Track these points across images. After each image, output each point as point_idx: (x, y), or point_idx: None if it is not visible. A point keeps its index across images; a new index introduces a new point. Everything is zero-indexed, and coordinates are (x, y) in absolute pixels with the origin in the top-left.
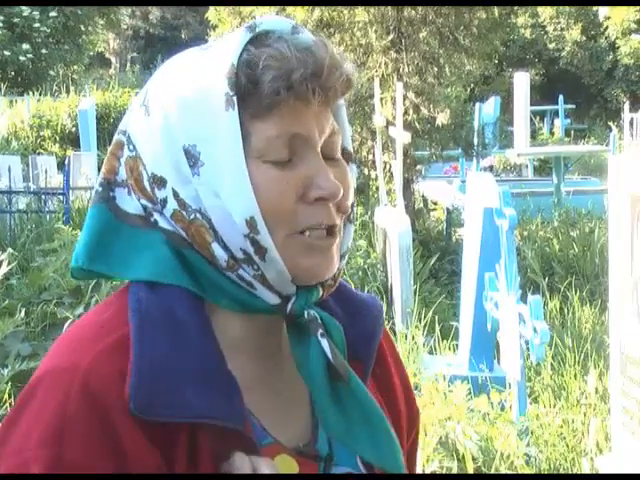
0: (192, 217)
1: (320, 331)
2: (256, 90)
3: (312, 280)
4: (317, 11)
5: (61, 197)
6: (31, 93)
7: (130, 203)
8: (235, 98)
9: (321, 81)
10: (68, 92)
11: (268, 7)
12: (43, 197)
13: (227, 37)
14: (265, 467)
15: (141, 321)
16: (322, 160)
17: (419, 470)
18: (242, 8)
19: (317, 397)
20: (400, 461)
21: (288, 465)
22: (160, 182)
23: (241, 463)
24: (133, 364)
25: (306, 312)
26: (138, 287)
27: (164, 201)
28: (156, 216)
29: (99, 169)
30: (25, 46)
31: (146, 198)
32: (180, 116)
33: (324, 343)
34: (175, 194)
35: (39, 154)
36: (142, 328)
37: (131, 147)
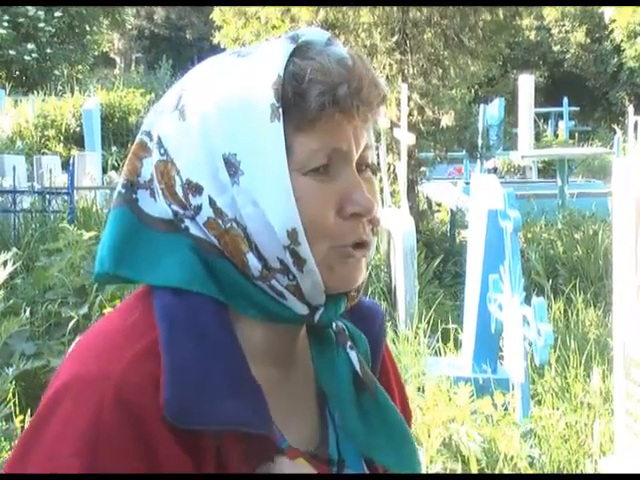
0: (228, 226)
1: (349, 343)
2: (301, 103)
3: (344, 289)
4: (322, 12)
5: (65, 197)
6: (36, 93)
7: (153, 206)
8: (280, 110)
9: (363, 97)
10: (73, 92)
11: (273, 7)
12: (47, 197)
13: (267, 45)
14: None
15: (170, 328)
16: (358, 175)
17: (423, 472)
18: (247, 8)
19: (342, 407)
20: (419, 470)
21: (304, 469)
22: (196, 189)
23: (282, 466)
24: (166, 373)
25: (334, 323)
26: (163, 292)
27: (198, 208)
28: (187, 222)
29: (103, 169)
30: (30, 46)
31: (177, 204)
32: (220, 123)
33: (352, 355)
34: (211, 202)
35: (43, 154)
36: (171, 336)
37: (162, 151)
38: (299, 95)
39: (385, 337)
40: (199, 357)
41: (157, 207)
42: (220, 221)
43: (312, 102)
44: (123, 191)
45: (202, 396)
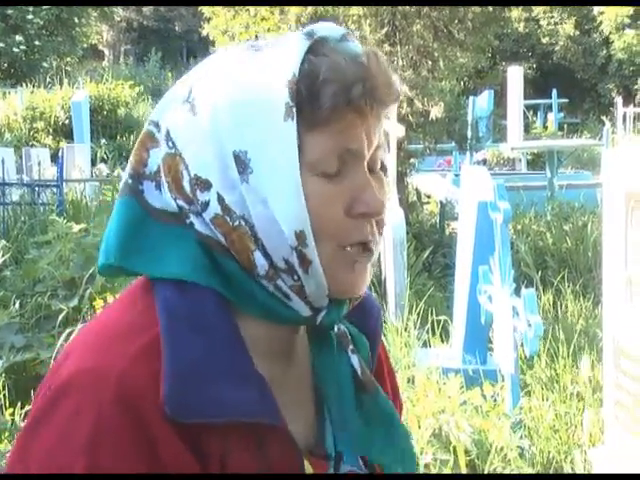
0: (236, 223)
1: (351, 347)
2: (315, 102)
3: (348, 295)
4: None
5: (54, 189)
6: (24, 85)
7: (158, 198)
8: (294, 109)
9: (377, 96)
10: (61, 84)
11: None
12: (36, 189)
13: (283, 40)
14: None
15: (171, 322)
16: (369, 175)
17: None
18: None
19: (342, 408)
20: (417, 470)
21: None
22: (204, 185)
23: None
24: (166, 367)
25: (336, 326)
26: (165, 285)
27: (205, 204)
28: (192, 218)
29: (92, 161)
30: (18, 38)
31: (183, 198)
32: (232, 120)
33: (354, 359)
34: (220, 199)
35: (32, 146)
36: (173, 330)
37: (170, 144)
38: (313, 94)
39: (382, 330)
40: (201, 350)
41: (162, 199)
42: (228, 218)
43: (326, 102)
44: (130, 181)
45: (204, 389)
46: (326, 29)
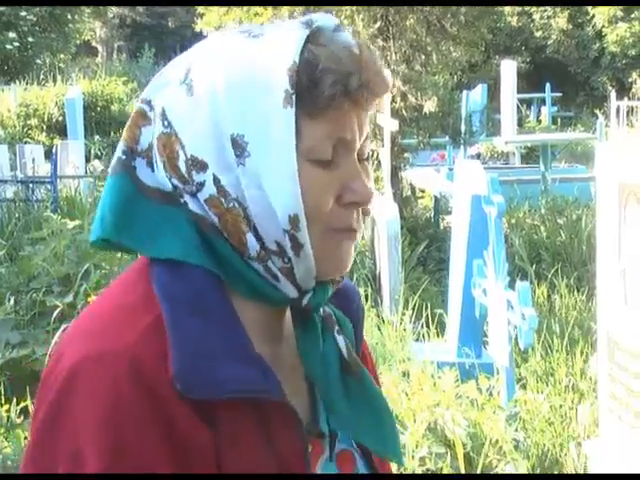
0: (230, 205)
1: (337, 328)
2: (314, 90)
3: (334, 275)
4: None
5: (49, 186)
6: (18, 82)
7: (150, 176)
8: (294, 96)
9: (370, 87)
10: (55, 81)
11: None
12: (31, 186)
13: (280, 28)
14: None
15: (172, 303)
16: (358, 164)
17: (408, 456)
18: None
19: (328, 390)
20: (400, 452)
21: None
22: (200, 166)
23: None
24: (173, 345)
25: (322, 308)
26: (160, 267)
27: (201, 184)
28: (187, 198)
29: (86, 158)
30: (11, 34)
31: (178, 178)
32: (231, 103)
33: (340, 340)
34: (216, 180)
35: (26, 143)
36: (174, 310)
37: (166, 123)
38: (312, 82)
39: (364, 315)
40: (203, 329)
41: (154, 177)
42: (223, 199)
43: (325, 91)
44: (123, 157)
45: (210, 366)
46: (322, 19)
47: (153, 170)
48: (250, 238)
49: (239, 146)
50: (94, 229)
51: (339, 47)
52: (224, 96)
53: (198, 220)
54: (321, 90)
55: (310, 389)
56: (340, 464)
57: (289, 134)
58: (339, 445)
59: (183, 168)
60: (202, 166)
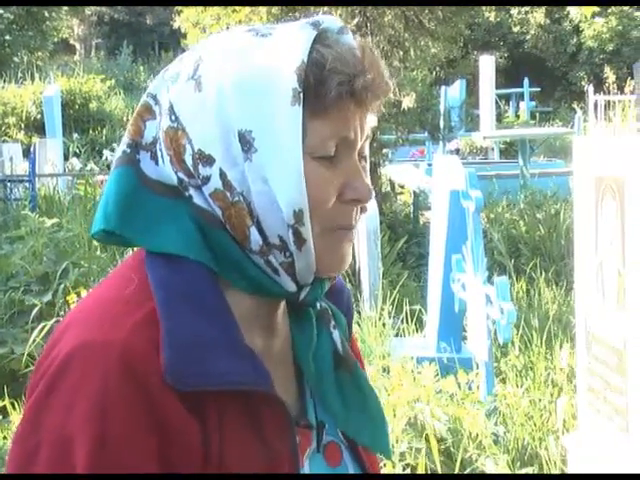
0: (235, 199)
1: (332, 323)
2: (321, 90)
3: (333, 272)
4: None
5: (27, 184)
6: None
7: (154, 169)
8: (302, 95)
9: (374, 88)
10: (33, 79)
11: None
12: (9, 184)
13: (288, 28)
14: None
15: (166, 296)
16: (359, 163)
17: None
18: None
19: (321, 383)
20: (389, 447)
21: None
22: (207, 160)
23: None
24: (164, 338)
25: (318, 303)
26: (156, 260)
27: (207, 178)
28: (192, 191)
29: (65, 156)
30: None
31: (184, 171)
32: (239, 99)
33: (335, 335)
34: (222, 174)
35: (4, 141)
36: (168, 303)
37: (173, 118)
38: (319, 82)
39: (354, 309)
40: (195, 322)
41: (158, 170)
42: (228, 193)
43: (331, 90)
44: (128, 150)
45: (200, 358)
46: (328, 21)
47: (157, 163)
48: (253, 232)
49: (246, 141)
50: (96, 221)
51: (345, 48)
52: (232, 92)
53: (201, 214)
54: (327, 90)
55: (299, 381)
56: (327, 456)
57: (296, 131)
58: (326, 437)
59: (189, 162)
60: (209, 160)
